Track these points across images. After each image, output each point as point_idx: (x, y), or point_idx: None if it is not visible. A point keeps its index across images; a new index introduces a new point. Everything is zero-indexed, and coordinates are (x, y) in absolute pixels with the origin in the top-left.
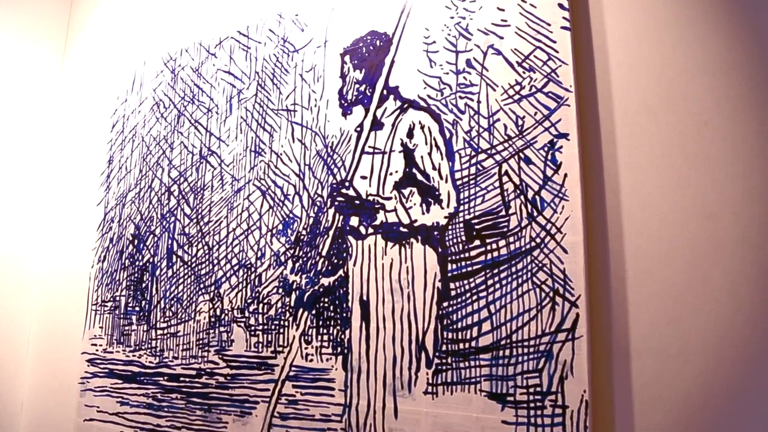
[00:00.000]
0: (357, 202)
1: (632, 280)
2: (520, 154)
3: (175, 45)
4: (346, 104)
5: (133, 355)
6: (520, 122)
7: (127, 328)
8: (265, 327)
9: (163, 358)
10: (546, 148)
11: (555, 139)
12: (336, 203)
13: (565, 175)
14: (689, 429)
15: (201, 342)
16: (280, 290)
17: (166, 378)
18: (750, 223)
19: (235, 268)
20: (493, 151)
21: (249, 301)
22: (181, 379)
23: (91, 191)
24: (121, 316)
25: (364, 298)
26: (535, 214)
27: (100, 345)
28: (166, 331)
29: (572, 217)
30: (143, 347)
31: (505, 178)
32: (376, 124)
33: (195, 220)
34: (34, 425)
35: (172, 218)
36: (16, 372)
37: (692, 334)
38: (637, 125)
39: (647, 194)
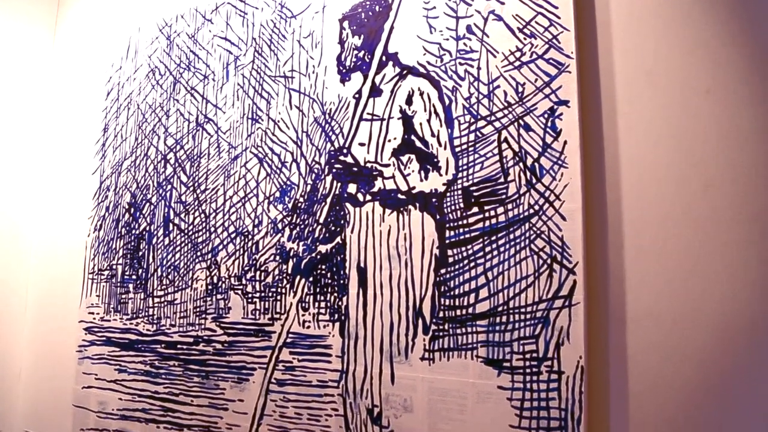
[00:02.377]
0: (355, 169)
1: (630, 248)
2: (520, 121)
3: (170, 11)
4: (344, 71)
5: (131, 323)
6: (520, 89)
7: (124, 296)
8: (262, 294)
9: (160, 325)
10: (546, 115)
11: (555, 106)
12: (334, 170)
13: (565, 143)
14: (685, 395)
15: (198, 309)
16: (278, 257)
17: (163, 345)
18: (748, 192)
19: (232, 235)
20: (493, 118)
21: (246, 268)
22: (179, 346)
23: (86, 160)
24: (118, 284)
25: (362, 265)
26: (534, 181)
27: (97, 313)
28: (163, 299)
29: (571, 185)
30: (140, 315)
31: (504, 145)
32: (375, 91)
33: (191, 188)
34: (32, 393)
35: (169, 186)
36: (14, 341)
37: (689, 301)
38: (638, 93)
39: (647, 162)
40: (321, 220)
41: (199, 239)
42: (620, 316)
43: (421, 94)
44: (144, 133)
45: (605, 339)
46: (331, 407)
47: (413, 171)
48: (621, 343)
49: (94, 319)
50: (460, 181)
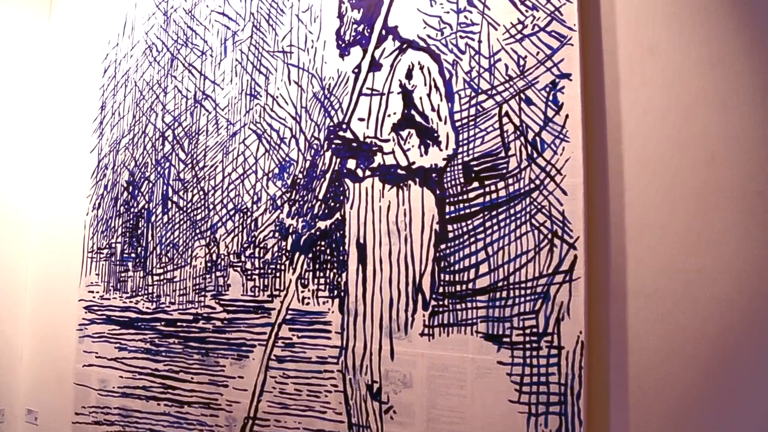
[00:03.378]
0: (354, 144)
1: (631, 222)
2: (521, 95)
3: None
4: (343, 45)
5: (130, 302)
6: (521, 62)
7: (123, 274)
8: (262, 271)
9: (159, 303)
10: (548, 89)
11: (557, 80)
12: (333, 146)
13: (567, 116)
14: (685, 371)
15: (197, 287)
16: (277, 234)
17: (163, 323)
18: (752, 165)
19: (231, 212)
20: (494, 91)
21: (245, 245)
22: (179, 324)
23: (83, 138)
24: (117, 262)
25: (361, 240)
26: (535, 155)
27: (97, 292)
28: (162, 277)
29: (573, 159)
30: (140, 293)
31: (505, 119)
32: (375, 65)
33: (190, 166)
34: (33, 372)
35: (167, 164)
36: (15, 321)
37: (691, 276)
38: (641, 66)
39: (649, 136)
40: (320, 196)
41: (198, 217)
42: (621, 291)
43: (421, 68)
44: (142, 110)
45: (606, 314)
46: (331, 383)
47: (413, 146)
48: (621, 318)
49: (94, 297)
50: (460, 156)
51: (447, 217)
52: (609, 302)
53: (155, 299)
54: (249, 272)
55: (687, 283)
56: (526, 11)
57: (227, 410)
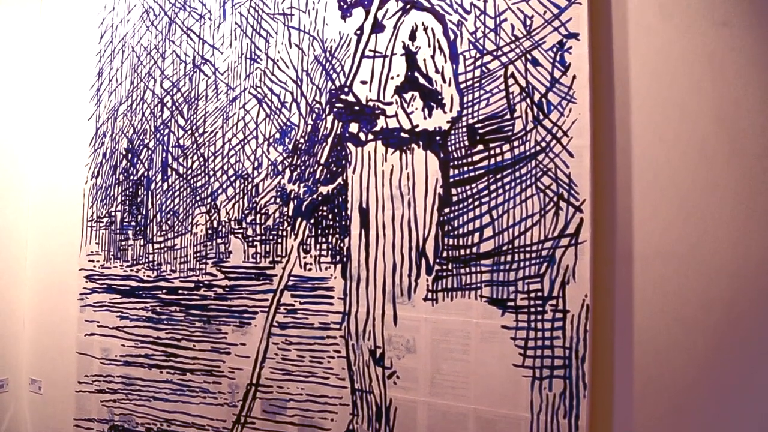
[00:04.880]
0: (356, 108)
1: (638, 185)
2: (528, 56)
3: None
4: (345, 6)
5: (131, 270)
6: (528, 22)
7: (123, 243)
8: (263, 237)
9: (161, 271)
10: (554, 49)
11: (564, 40)
12: (335, 110)
13: (574, 77)
14: (691, 334)
15: (198, 254)
16: (278, 200)
17: (164, 291)
18: (764, 126)
19: (232, 179)
20: (499, 52)
21: (246, 212)
22: (180, 291)
23: (81, 106)
24: (117, 231)
25: (364, 205)
26: (541, 117)
27: (98, 261)
28: (163, 245)
29: (579, 121)
30: (141, 262)
31: (510, 81)
32: (377, 27)
33: (189, 132)
34: (36, 342)
35: (166, 130)
36: (17, 291)
37: (698, 239)
38: (651, 26)
39: (658, 97)
40: (322, 161)
41: (198, 183)
42: (627, 254)
43: (425, 29)
44: (139, 76)
45: (611, 277)
46: (334, 349)
47: (416, 109)
48: (627, 281)
49: (95, 266)
50: (464, 119)
51: (451, 180)
52: (615, 265)
53: (156, 267)
54: (250, 239)
55: (693, 246)
56: None
57: (230, 377)
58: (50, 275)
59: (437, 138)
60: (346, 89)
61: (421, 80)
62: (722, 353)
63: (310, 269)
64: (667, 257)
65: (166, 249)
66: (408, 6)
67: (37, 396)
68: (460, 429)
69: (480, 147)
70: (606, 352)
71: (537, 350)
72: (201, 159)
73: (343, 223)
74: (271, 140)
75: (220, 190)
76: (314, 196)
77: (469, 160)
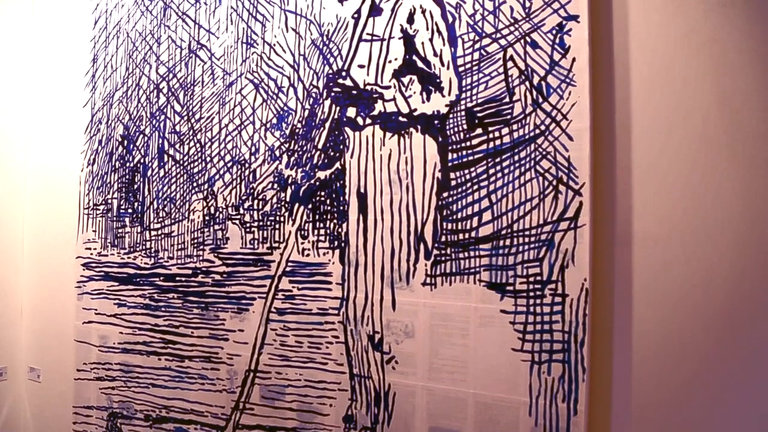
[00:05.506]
0: (354, 92)
1: (638, 168)
2: (527, 38)
3: None
4: None
5: (128, 257)
6: (527, 4)
7: (120, 230)
8: (261, 223)
9: (158, 258)
10: (554, 31)
11: (564, 22)
12: (332, 94)
13: (573, 60)
14: (691, 317)
15: (196, 241)
16: (275, 185)
17: (162, 278)
18: (762, 108)
19: (229, 164)
20: (498, 35)
21: (243, 197)
22: (177, 278)
23: (76, 92)
24: (114, 218)
25: (362, 190)
26: (541, 100)
27: (95, 248)
28: (160, 232)
29: (579, 104)
30: (138, 249)
31: (510, 64)
32: (375, 10)
33: (186, 118)
34: (34, 330)
35: (162, 116)
36: (14, 280)
37: (698, 222)
38: (651, 7)
39: (658, 80)
40: (319, 146)
41: (195, 170)
42: (626, 238)
43: (423, 11)
44: (135, 62)
45: (611, 261)
46: (332, 335)
47: (415, 92)
48: (627, 265)
49: (92, 254)
50: (463, 102)
51: (449, 164)
52: (614, 249)
53: (153, 254)
54: (248, 225)
55: (693, 230)
56: None
57: (228, 363)
58: (47, 263)
59: (435, 122)
60: (344, 73)
61: (420, 64)
62: (723, 338)
63: (308, 255)
64: (667, 241)
65: (163, 236)
66: None
67: (36, 384)
68: (459, 413)
69: (479, 131)
70: (605, 336)
71: (536, 334)
72: (198, 145)
73: (341, 208)
74: (268, 125)
75: (217, 176)
76: (312, 182)
77: (468, 143)
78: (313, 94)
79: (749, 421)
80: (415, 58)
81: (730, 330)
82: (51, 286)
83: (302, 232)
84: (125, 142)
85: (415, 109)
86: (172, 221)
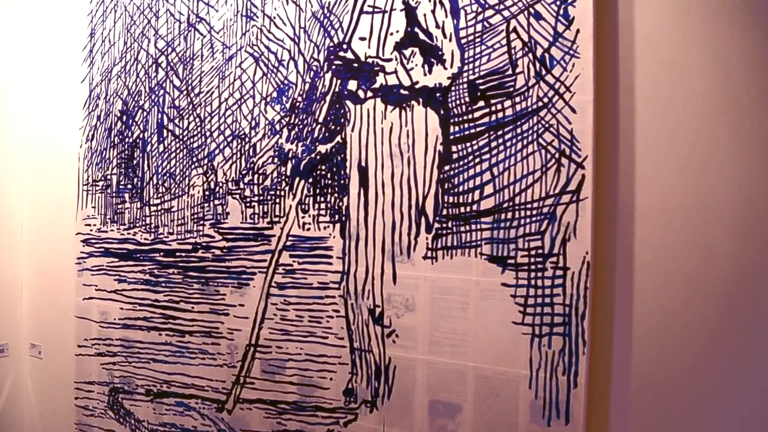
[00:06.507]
0: (355, 65)
1: (641, 140)
2: (530, 9)
3: None
4: None
5: (128, 233)
6: None
7: (120, 206)
8: (261, 198)
9: (158, 234)
10: (558, 3)
11: None
12: (333, 67)
13: (578, 31)
14: (693, 290)
15: (196, 216)
16: (276, 160)
17: (162, 254)
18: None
19: (229, 139)
20: (501, 6)
21: (244, 172)
22: (178, 254)
23: (73, 68)
24: (114, 194)
25: (363, 164)
26: (544, 72)
27: (94, 225)
28: (160, 207)
29: (583, 75)
30: (137, 224)
31: (513, 35)
32: None
33: (185, 92)
34: (35, 307)
35: (161, 91)
36: (14, 257)
37: (701, 196)
38: None
39: (662, 52)
40: (320, 120)
41: (195, 144)
42: (629, 211)
43: None
44: (133, 36)
45: (612, 234)
46: (333, 309)
47: (416, 65)
48: (628, 238)
49: (91, 230)
50: (465, 74)
51: (451, 137)
52: (616, 222)
53: (153, 230)
54: (248, 199)
55: (696, 204)
56: None
57: (228, 338)
58: (47, 240)
59: (437, 94)
60: (345, 46)
61: (421, 36)
62: (724, 310)
63: (308, 229)
64: (669, 214)
65: (163, 211)
66: None
67: (38, 360)
68: (459, 387)
69: (481, 103)
70: (606, 309)
71: (537, 308)
72: (197, 120)
73: (342, 182)
74: (268, 99)
75: (216, 151)
76: (312, 156)
77: (470, 116)
78: (314, 68)
79: (751, 394)
80: (416, 30)
81: (732, 302)
82: (51, 262)
83: (303, 206)
84: (124, 117)
85: (417, 82)
86: (172, 196)
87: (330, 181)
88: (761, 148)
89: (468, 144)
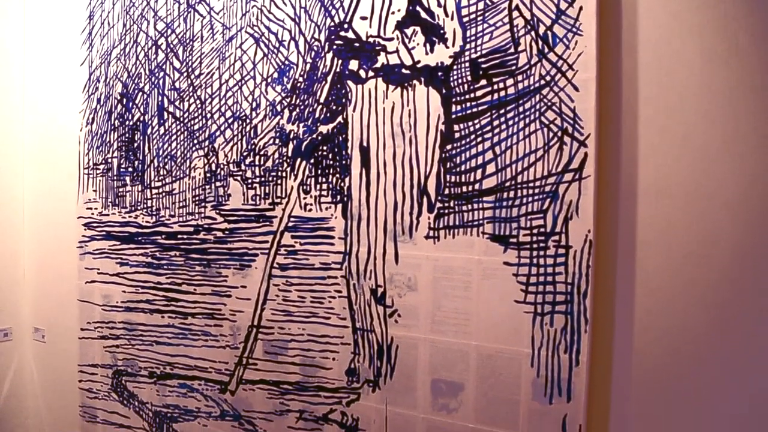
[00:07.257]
0: (356, 44)
1: (644, 119)
2: None
3: None
4: None
5: (130, 216)
6: None
7: (121, 189)
8: (263, 179)
9: (159, 217)
10: None
11: None
12: (334, 47)
13: (581, 9)
14: (696, 268)
15: (197, 198)
16: (277, 141)
17: (163, 236)
18: None
19: (230, 120)
20: None
21: (245, 153)
22: (179, 236)
23: (72, 51)
24: (115, 177)
25: (364, 144)
26: (546, 50)
27: (95, 208)
28: (161, 190)
29: (585, 53)
30: (139, 207)
31: (515, 13)
32: None
33: (185, 74)
34: (37, 291)
35: (161, 73)
36: (15, 241)
37: (704, 174)
38: None
39: (665, 30)
40: (321, 100)
41: (196, 126)
42: (631, 189)
43: None
44: (132, 18)
45: (615, 213)
46: (335, 289)
47: (418, 44)
48: (631, 217)
49: (93, 214)
50: (467, 53)
51: (453, 116)
52: (618, 201)
53: (155, 213)
54: (249, 181)
55: (698, 181)
56: None
57: (231, 320)
58: (49, 224)
59: (439, 73)
60: (346, 26)
61: (423, 14)
62: (726, 289)
63: (310, 210)
64: (671, 192)
65: (164, 194)
66: None
67: (41, 344)
68: (462, 365)
69: (483, 82)
70: (608, 287)
71: (539, 286)
72: (198, 101)
73: (344, 162)
74: (269, 80)
75: (217, 133)
76: (314, 136)
77: (472, 95)
78: (315, 48)
79: (754, 369)
80: (418, 8)
81: (734, 280)
82: (53, 247)
83: (304, 187)
84: (124, 100)
85: (419, 61)
86: (173, 179)
87: (331, 162)
88: (762, 128)
89: (470, 123)
